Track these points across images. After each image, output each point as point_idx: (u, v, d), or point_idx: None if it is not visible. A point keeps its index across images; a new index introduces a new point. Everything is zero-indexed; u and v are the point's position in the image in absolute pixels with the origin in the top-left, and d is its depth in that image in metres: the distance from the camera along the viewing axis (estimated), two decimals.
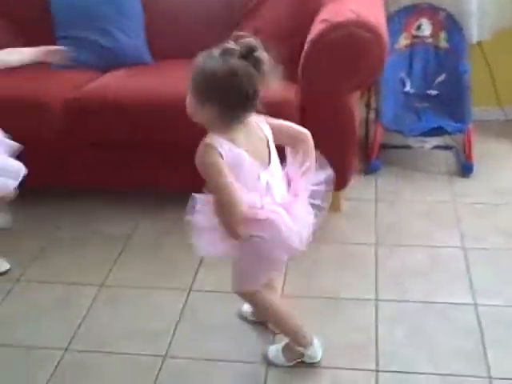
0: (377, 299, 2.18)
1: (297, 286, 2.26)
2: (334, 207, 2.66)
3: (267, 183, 1.70)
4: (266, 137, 1.73)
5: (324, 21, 2.42)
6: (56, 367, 1.97)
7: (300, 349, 1.91)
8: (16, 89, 2.62)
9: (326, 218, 2.54)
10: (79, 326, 2.14)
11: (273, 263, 1.82)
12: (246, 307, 2.13)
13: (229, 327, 2.10)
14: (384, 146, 3.04)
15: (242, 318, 2.14)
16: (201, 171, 1.62)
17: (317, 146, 2.48)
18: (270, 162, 1.72)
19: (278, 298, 2.02)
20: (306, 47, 2.41)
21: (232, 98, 1.58)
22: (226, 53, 1.57)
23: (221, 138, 1.62)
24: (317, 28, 2.42)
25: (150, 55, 2.94)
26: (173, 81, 2.57)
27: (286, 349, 1.94)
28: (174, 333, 2.08)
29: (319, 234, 2.47)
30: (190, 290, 2.28)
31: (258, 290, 1.87)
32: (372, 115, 3.15)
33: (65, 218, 2.74)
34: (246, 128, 1.68)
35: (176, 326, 2.11)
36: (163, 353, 2.01)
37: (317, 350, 1.93)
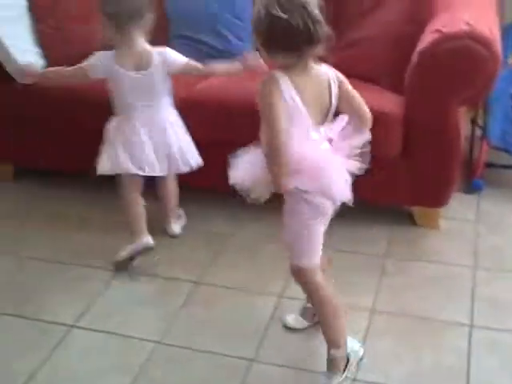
0: (471, 325, 2.08)
1: (389, 302, 2.20)
2: (433, 224, 2.59)
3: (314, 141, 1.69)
4: (331, 94, 1.69)
5: (436, 31, 2.34)
6: (149, 357, 2.01)
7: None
8: None
9: (423, 234, 2.54)
10: (173, 321, 2.17)
11: (320, 214, 1.77)
12: (290, 318, 2.09)
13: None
14: (489, 165, 2.92)
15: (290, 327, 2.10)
16: (258, 100, 1.63)
17: (419, 160, 2.46)
18: (323, 121, 1.70)
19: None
20: (414, 57, 2.35)
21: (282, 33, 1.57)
22: None
23: (286, 80, 1.62)
24: (428, 38, 2.35)
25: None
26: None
27: None
28: (263, 337, 2.07)
29: (415, 250, 2.46)
30: (282, 297, 2.26)
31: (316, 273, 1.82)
32: (478, 132, 3.03)
33: None
34: (312, 78, 1.66)
35: (266, 330, 2.10)
36: (252, 356, 2.00)
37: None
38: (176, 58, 2.36)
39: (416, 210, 2.61)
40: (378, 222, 2.64)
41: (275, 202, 1.79)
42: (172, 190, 2.60)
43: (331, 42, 1.64)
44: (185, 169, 2.46)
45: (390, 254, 2.45)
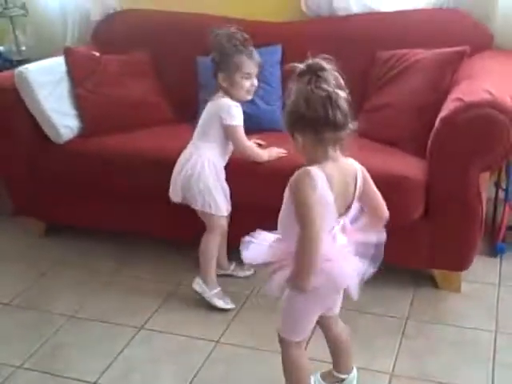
0: None
1: (408, 366, 2.21)
2: (454, 288, 2.61)
3: (334, 235, 1.71)
4: (356, 187, 1.72)
5: (457, 99, 2.41)
6: None
7: None
8: (155, 144, 2.82)
9: (444, 297, 2.55)
10: (192, 380, 2.21)
11: (321, 301, 1.82)
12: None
13: None
14: None
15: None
16: (293, 197, 1.65)
17: (440, 224, 2.49)
18: (346, 213, 1.72)
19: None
20: (436, 124, 2.41)
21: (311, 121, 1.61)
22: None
23: (320, 172, 1.65)
24: (449, 106, 2.41)
25: None
26: None
27: None
28: None
29: (436, 313, 2.47)
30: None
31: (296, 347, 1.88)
32: (501, 195, 3.06)
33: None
34: (339, 167, 1.69)
35: None
36: None
37: None
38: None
39: (438, 272, 2.63)
40: (400, 283, 2.66)
41: None
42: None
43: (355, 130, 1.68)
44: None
45: (411, 316, 2.47)
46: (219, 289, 2.61)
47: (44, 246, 3.15)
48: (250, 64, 2.51)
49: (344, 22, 3.12)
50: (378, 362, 2.22)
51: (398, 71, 2.78)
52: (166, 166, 2.57)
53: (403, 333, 2.38)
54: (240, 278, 2.77)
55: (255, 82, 2.54)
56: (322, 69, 1.63)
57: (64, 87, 3.00)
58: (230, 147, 2.58)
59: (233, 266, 2.80)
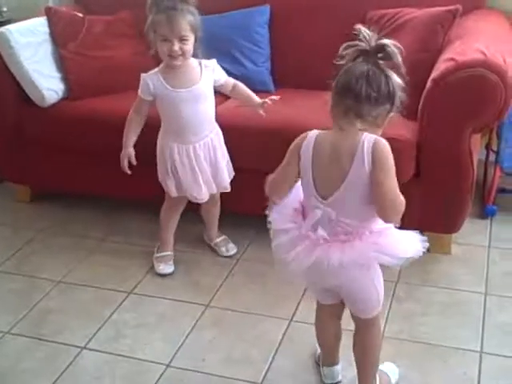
0: (481, 351, 2.09)
1: (398, 328, 2.22)
2: (444, 250, 2.60)
3: (315, 211, 1.65)
4: (351, 163, 1.59)
5: (449, 59, 2.37)
6: (158, 380, 2.04)
7: None
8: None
9: (434, 259, 2.55)
10: (182, 343, 2.20)
11: None
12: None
13: None
14: (502, 191, 2.93)
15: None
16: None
17: (431, 186, 2.47)
18: (329, 197, 1.63)
19: None
20: (428, 85, 2.37)
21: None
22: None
23: (312, 145, 1.65)
24: (441, 66, 2.38)
25: (274, 84, 3.01)
26: (294, 109, 2.65)
27: None
28: (271, 362, 2.10)
29: (426, 276, 2.47)
30: (291, 321, 2.29)
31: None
32: (492, 158, 3.04)
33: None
34: (336, 139, 1.63)
35: (274, 355, 2.13)
36: (259, 380, 2.02)
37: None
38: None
39: (428, 235, 2.61)
40: None
41: None
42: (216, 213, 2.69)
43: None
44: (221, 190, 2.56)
45: (401, 278, 2.47)
46: (168, 253, 2.63)
47: (30, 212, 3.12)
48: (167, 26, 2.26)
49: None
50: None
51: (389, 31, 2.70)
52: (152, 127, 2.52)
53: (393, 296, 2.38)
54: (221, 256, 2.70)
55: (175, 47, 2.28)
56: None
57: (47, 49, 2.93)
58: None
59: (219, 239, 2.74)
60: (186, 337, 2.24)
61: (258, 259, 2.65)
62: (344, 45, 1.64)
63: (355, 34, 1.62)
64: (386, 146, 1.59)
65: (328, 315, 1.93)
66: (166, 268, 2.59)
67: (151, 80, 2.37)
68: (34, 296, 2.48)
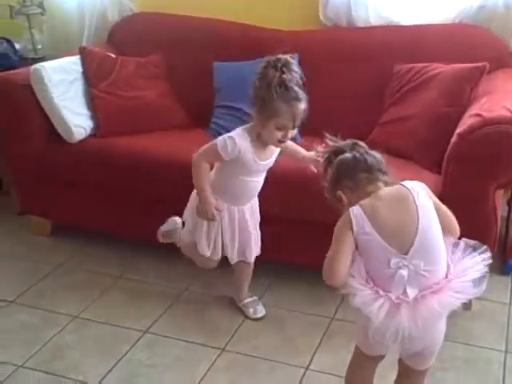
0: None
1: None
2: (465, 306, 2.54)
3: (400, 273, 1.63)
4: (417, 211, 1.64)
5: (476, 115, 2.39)
6: None
7: None
8: (168, 148, 2.79)
9: (455, 314, 2.48)
10: None
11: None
12: None
13: None
14: None
15: None
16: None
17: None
18: (412, 244, 1.63)
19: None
20: (453, 139, 2.38)
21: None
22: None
23: (362, 209, 1.65)
24: (467, 121, 2.39)
25: (299, 132, 3.01)
26: None
27: None
28: None
29: (446, 332, 2.40)
30: (307, 369, 2.26)
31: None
32: None
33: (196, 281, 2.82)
34: (392, 200, 1.67)
35: None
36: None
37: None
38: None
39: None
40: None
41: None
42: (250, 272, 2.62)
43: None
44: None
45: None
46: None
47: (50, 246, 3.12)
48: (289, 119, 2.19)
49: (362, 33, 3.11)
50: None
51: (417, 84, 2.76)
52: (177, 170, 2.54)
53: None
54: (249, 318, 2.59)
55: (290, 135, 2.25)
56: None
57: (78, 87, 2.99)
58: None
59: (248, 300, 2.62)
60: (200, 380, 2.21)
61: (275, 304, 2.63)
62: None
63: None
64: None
65: (373, 368, 1.87)
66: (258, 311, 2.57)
67: (243, 147, 2.26)
68: (50, 330, 2.47)
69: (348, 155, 1.74)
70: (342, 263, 1.65)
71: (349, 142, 1.79)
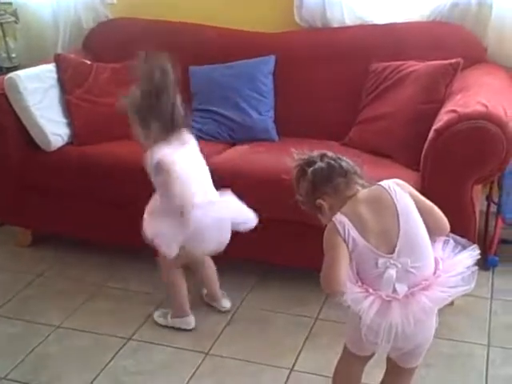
0: None
1: None
2: None
3: (388, 272, 1.63)
4: (397, 210, 1.66)
5: (451, 111, 2.40)
6: None
7: None
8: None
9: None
10: None
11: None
12: None
13: None
14: (504, 242, 2.92)
15: None
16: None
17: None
18: (397, 242, 1.64)
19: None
20: (430, 136, 2.40)
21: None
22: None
23: (345, 216, 1.65)
24: (443, 117, 2.41)
25: (277, 133, 3.03)
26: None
27: None
28: None
29: None
30: (292, 371, 2.26)
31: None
32: (493, 208, 3.05)
33: None
34: (371, 201, 1.68)
35: None
36: None
37: None
38: None
39: None
40: None
41: None
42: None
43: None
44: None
45: None
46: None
47: (30, 256, 3.10)
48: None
49: (338, 34, 3.12)
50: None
51: (392, 82, 2.78)
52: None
53: None
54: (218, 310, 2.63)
55: None
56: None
57: (54, 94, 2.97)
58: None
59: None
60: None
61: (259, 306, 2.63)
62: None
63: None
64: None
65: (361, 368, 1.87)
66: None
67: None
68: (32, 341, 2.45)
69: (321, 164, 1.74)
70: (342, 268, 1.64)
71: (317, 153, 1.79)
